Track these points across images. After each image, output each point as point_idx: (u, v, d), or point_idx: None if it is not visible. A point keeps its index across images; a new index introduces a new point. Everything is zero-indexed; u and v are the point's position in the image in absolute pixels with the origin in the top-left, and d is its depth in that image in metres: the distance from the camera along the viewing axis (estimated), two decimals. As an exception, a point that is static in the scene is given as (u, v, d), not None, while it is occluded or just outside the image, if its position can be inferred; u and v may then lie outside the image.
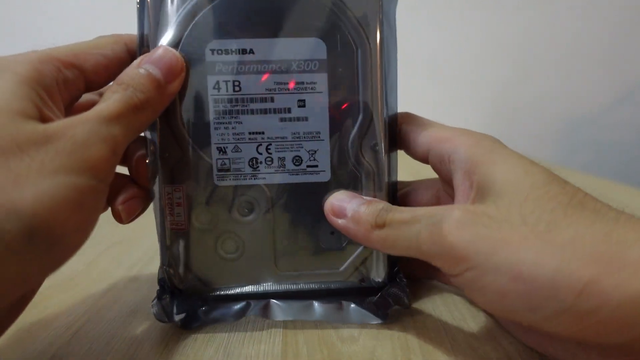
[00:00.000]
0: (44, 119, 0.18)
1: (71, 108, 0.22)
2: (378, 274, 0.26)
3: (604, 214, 0.18)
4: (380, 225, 0.22)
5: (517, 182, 0.20)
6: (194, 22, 0.24)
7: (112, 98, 0.20)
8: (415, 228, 0.21)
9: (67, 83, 0.21)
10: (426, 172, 0.29)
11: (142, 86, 0.21)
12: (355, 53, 0.24)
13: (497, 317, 0.25)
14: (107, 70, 0.22)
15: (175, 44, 0.24)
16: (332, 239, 0.25)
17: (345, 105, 0.25)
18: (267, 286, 0.25)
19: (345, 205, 0.23)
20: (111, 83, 0.22)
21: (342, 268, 0.26)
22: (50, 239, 0.17)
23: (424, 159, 0.26)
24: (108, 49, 0.23)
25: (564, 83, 1.13)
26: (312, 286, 0.26)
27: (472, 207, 0.20)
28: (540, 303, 0.17)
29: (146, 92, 0.21)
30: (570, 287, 0.16)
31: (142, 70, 0.22)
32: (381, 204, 0.23)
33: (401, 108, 0.26)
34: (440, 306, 0.27)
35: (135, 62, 0.22)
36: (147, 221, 0.27)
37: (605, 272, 0.16)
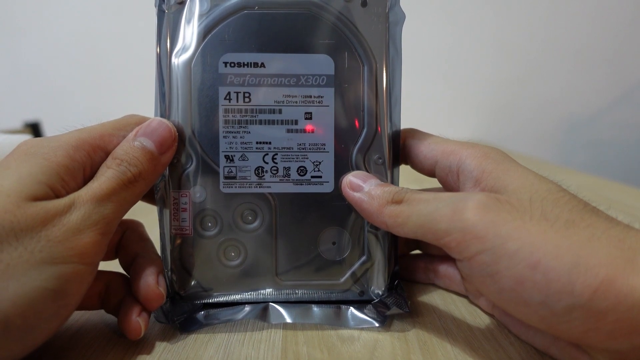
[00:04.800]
0: (58, 197, 0.20)
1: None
2: (378, 285, 0.26)
3: (616, 223, 0.19)
4: (398, 201, 0.22)
5: (532, 186, 0.21)
6: (209, 35, 0.25)
7: (105, 175, 0.21)
8: (434, 205, 0.21)
9: (93, 166, 0.22)
10: (427, 186, 0.29)
11: (135, 160, 0.22)
12: (362, 70, 0.25)
13: (501, 314, 0.25)
14: None
15: (191, 55, 0.25)
16: (333, 250, 0.26)
17: (350, 118, 0.25)
18: (267, 294, 0.26)
19: (363, 181, 0.24)
20: None
21: (342, 279, 0.26)
22: (25, 328, 0.18)
23: (430, 172, 0.26)
24: (129, 130, 0.24)
25: (564, 83, 1.14)
26: (312, 296, 0.26)
27: (495, 194, 0.21)
28: (555, 296, 0.17)
29: (139, 166, 0.22)
30: (587, 283, 0.17)
31: (136, 144, 0.23)
32: (399, 187, 0.23)
33: (402, 107, 0.27)
34: (440, 306, 0.27)
35: (131, 134, 0.23)
36: (149, 225, 0.27)
37: (620, 274, 0.17)
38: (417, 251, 0.31)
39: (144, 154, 0.23)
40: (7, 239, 0.18)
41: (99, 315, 0.26)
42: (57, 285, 0.18)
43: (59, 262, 0.19)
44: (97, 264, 0.21)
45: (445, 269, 0.29)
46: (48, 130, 0.90)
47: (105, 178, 0.21)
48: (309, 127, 0.25)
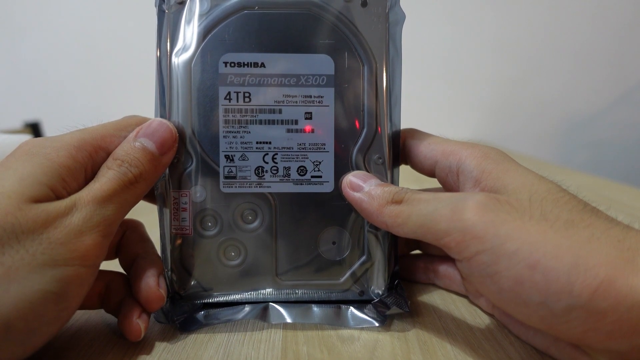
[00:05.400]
0: (58, 199, 0.20)
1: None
2: (378, 285, 0.26)
3: (616, 223, 0.19)
4: (398, 201, 0.22)
5: (532, 186, 0.21)
6: (209, 35, 0.25)
7: (106, 176, 0.21)
8: (434, 206, 0.21)
9: (94, 166, 0.22)
10: (427, 186, 0.29)
11: (136, 161, 0.22)
12: (362, 70, 0.25)
13: (501, 314, 0.25)
14: None
15: (191, 55, 0.25)
16: (333, 249, 0.26)
17: (350, 118, 0.25)
18: (267, 294, 0.26)
19: (363, 181, 0.24)
20: None
21: (342, 279, 0.26)
22: (27, 331, 0.18)
23: (430, 172, 0.26)
24: (129, 130, 0.24)
25: (564, 83, 1.14)
26: (312, 296, 0.26)
27: (495, 194, 0.21)
28: (554, 296, 0.17)
29: (140, 167, 0.22)
30: (586, 283, 0.17)
31: (137, 144, 0.23)
32: (399, 187, 0.24)
33: (402, 107, 0.27)
34: (440, 306, 0.27)
35: (131, 135, 0.23)
36: (149, 225, 0.27)
37: (619, 274, 0.17)
38: (418, 251, 0.31)
39: (144, 155, 0.23)
40: (8, 242, 0.18)
41: (99, 315, 0.26)
42: (58, 288, 0.18)
43: (61, 264, 0.19)
44: (98, 266, 0.21)
45: (445, 269, 0.29)
46: (48, 130, 0.90)
47: (106, 179, 0.21)
48: (308, 127, 0.25)
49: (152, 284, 0.23)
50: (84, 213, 0.20)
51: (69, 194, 0.21)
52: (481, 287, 0.21)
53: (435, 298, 0.28)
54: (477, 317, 0.26)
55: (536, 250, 0.18)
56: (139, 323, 0.22)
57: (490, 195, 0.20)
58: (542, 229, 0.18)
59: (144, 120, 0.25)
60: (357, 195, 0.24)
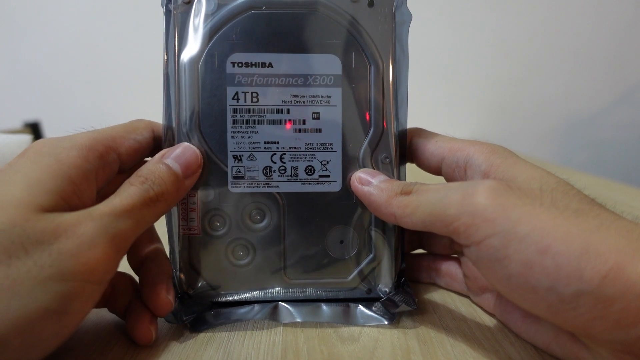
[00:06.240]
0: (70, 207, 0.20)
1: (106, 187, 0.23)
2: (385, 283, 0.26)
3: (623, 217, 0.19)
4: (407, 192, 0.23)
5: (542, 177, 0.21)
6: (217, 35, 0.25)
7: (127, 191, 0.21)
8: (443, 193, 0.21)
9: (105, 167, 0.22)
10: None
11: (160, 180, 0.22)
12: (369, 70, 0.25)
13: (502, 313, 0.25)
14: (137, 153, 0.24)
15: (198, 55, 0.25)
16: (341, 248, 0.26)
17: (358, 118, 0.26)
18: (275, 293, 0.26)
19: (372, 176, 0.25)
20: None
21: (349, 277, 0.26)
22: (23, 348, 0.17)
23: (437, 170, 0.26)
24: (139, 133, 0.24)
25: (564, 83, 1.14)
26: (320, 294, 0.26)
27: (505, 182, 0.21)
28: (563, 280, 0.17)
29: (163, 186, 0.22)
30: (596, 269, 0.17)
31: (162, 165, 0.23)
32: (407, 182, 0.24)
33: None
34: (441, 306, 0.27)
35: (157, 156, 0.23)
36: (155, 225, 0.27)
37: (629, 262, 0.17)
38: (419, 251, 0.31)
39: (169, 175, 0.22)
40: (15, 253, 0.17)
41: (99, 315, 0.26)
42: (60, 305, 0.18)
43: (68, 278, 0.18)
44: (105, 284, 0.20)
45: (447, 267, 0.29)
46: (48, 130, 0.90)
47: (127, 194, 0.21)
48: (316, 127, 0.25)
49: (161, 292, 0.23)
50: (99, 223, 0.19)
51: (80, 197, 0.20)
52: (489, 275, 0.20)
53: (436, 298, 0.28)
54: (477, 317, 0.26)
55: (547, 235, 0.18)
56: (151, 330, 0.23)
57: (501, 181, 0.20)
58: (553, 215, 0.18)
59: (151, 123, 0.25)
60: (366, 188, 0.24)
